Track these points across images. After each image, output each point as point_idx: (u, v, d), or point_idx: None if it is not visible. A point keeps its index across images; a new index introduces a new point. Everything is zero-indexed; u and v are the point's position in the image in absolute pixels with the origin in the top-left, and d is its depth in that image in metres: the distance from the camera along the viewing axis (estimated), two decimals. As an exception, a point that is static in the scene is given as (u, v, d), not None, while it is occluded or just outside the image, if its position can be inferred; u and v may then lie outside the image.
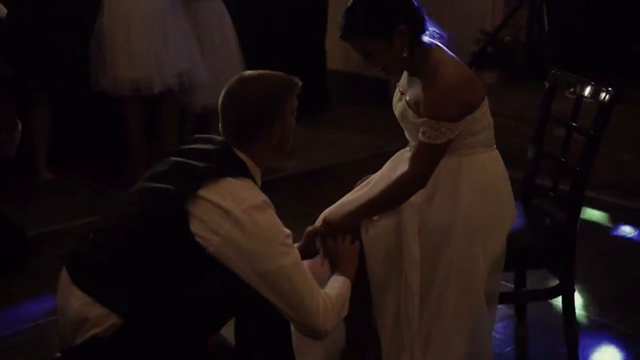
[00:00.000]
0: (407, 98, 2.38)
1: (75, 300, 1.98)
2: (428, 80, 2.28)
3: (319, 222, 2.45)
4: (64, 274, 2.05)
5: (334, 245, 2.30)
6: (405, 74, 2.46)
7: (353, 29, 2.27)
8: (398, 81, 2.52)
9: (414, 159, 2.33)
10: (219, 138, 2.16)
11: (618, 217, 4.12)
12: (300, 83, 2.16)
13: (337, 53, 6.52)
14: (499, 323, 2.92)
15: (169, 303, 1.95)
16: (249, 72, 2.17)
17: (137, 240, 2.00)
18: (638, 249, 3.77)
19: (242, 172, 2.08)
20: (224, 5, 4.60)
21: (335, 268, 2.27)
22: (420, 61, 2.31)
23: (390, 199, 2.35)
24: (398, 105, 2.44)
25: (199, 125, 4.78)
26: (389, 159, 2.58)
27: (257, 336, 2.09)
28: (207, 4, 4.52)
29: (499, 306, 2.48)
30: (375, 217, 2.39)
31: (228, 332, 2.15)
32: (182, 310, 1.96)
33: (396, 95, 2.49)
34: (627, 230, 3.96)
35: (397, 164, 2.51)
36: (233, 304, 2.03)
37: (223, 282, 2.00)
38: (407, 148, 2.53)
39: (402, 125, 2.48)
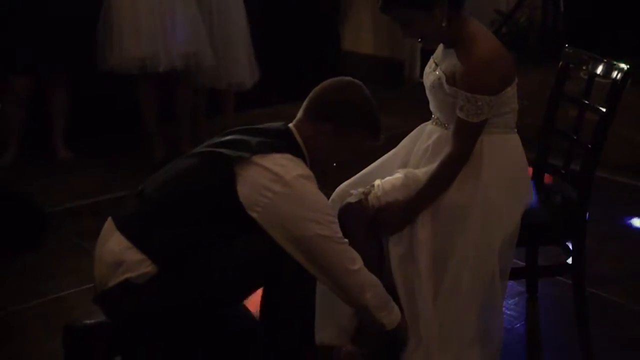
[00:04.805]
0: (443, 68, 2.36)
1: (115, 244, 2.07)
2: (465, 51, 2.28)
3: (357, 196, 2.40)
4: (109, 221, 2.15)
5: None
6: (440, 46, 2.45)
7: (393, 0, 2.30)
8: (415, 61, 2.53)
9: (454, 137, 2.33)
10: (279, 123, 2.25)
11: (631, 197, 4.12)
12: (380, 143, 2.29)
13: (352, 35, 6.54)
14: (510, 299, 2.96)
15: (202, 259, 2.03)
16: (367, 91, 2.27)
17: (182, 195, 2.09)
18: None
19: (296, 152, 2.15)
20: None
21: None
22: (457, 32, 2.30)
23: (439, 182, 2.34)
24: (430, 76, 2.42)
25: (213, 105, 4.82)
26: (401, 140, 2.59)
27: (280, 308, 2.15)
28: None
29: (510, 282, 2.49)
30: (389, 199, 2.36)
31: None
32: (212, 269, 2.04)
33: (430, 66, 2.47)
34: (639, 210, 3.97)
35: (417, 138, 2.53)
36: (262, 271, 2.09)
37: (257, 247, 2.06)
38: (430, 121, 2.51)
39: (429, 97, 2.46)
